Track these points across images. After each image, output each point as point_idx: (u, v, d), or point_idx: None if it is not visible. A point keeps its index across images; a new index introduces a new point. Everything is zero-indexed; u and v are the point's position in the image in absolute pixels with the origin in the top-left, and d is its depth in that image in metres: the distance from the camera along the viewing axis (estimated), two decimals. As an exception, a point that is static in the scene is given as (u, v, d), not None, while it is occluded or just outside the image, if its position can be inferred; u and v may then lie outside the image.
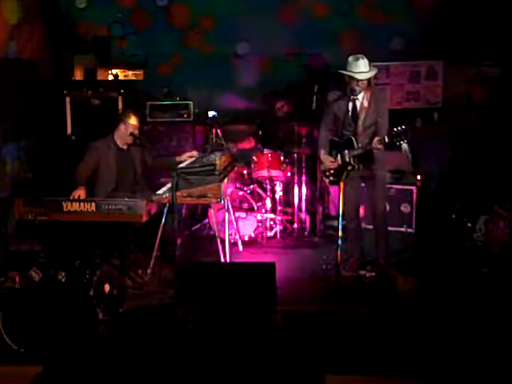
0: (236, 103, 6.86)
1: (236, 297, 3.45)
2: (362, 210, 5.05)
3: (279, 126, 6.38)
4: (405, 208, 5.53)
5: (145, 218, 4.11)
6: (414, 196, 5.73)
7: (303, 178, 6.07)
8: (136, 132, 4.83)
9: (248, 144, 6.36)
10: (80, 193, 4.46)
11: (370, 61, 4.46)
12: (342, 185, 4.51)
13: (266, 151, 5.88)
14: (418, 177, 5.89)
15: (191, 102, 6.41)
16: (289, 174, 5.98)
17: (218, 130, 6.14)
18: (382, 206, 4.76)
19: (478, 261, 4.87)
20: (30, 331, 3.42)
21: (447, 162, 6.35)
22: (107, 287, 3.78)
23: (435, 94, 6.58)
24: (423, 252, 5.27)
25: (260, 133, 6.36)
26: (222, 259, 4.76)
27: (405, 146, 5.10)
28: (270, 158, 5.82)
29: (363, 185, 4.84)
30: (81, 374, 3.21)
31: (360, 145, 4.47)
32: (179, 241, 4.69)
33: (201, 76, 6.70)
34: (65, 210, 4.09)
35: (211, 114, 6.37)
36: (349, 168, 4.51)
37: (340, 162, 4.58)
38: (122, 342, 3.57)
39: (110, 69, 6.76)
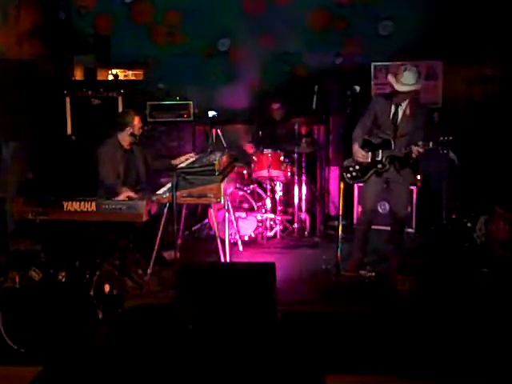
0: (232, 103, 6.83)
1: (236, 297, 3.45)
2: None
3: (277, 126, 6.37)
4: (405, 208, 5.52)
5: (145, 218, 4.11)
6: (414, 196, 5.73)
7: (303, 177, 6.07)
8: (139, 131, 4.87)
9: (250, 150, 6.36)
10: (128, 194, 4.49)
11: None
12: (341, 184, 4.52)
13: (265, 151, 5.87)
14: (418, 177, 5.90)
15: (191, 102, 6.40)
16: (289, 173, 5.97)
17: (219, 130, 6.14)
18: (405, 210, 4.79)
19: (478, 261, 4.87)
20: (29, 331, 3.42)
21: (447, 162, 6.34)
22: (107, 287, 3.78)
23: (435, 94, 6.58)
24: (423, 252, 5.28)
25: (260, 133, 6.36)
26: (222, 259, 4.76)
27: (452, 154, 5.76)
28: (270, 158, 5.81)
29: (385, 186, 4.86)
30: (80, 374, 3.21)
31: (397, 147, 4.50)
32: (179, 241, 4.68)
33: (193, 75, 6.70)
34: (65, 209, 4.09)
35: (211, 113, 6.36)
36: (379, 166, 4.56)
37: (369, 160, 4.61)
38: (122, 342, 3.57)
39: (110, 69, 6.76)
